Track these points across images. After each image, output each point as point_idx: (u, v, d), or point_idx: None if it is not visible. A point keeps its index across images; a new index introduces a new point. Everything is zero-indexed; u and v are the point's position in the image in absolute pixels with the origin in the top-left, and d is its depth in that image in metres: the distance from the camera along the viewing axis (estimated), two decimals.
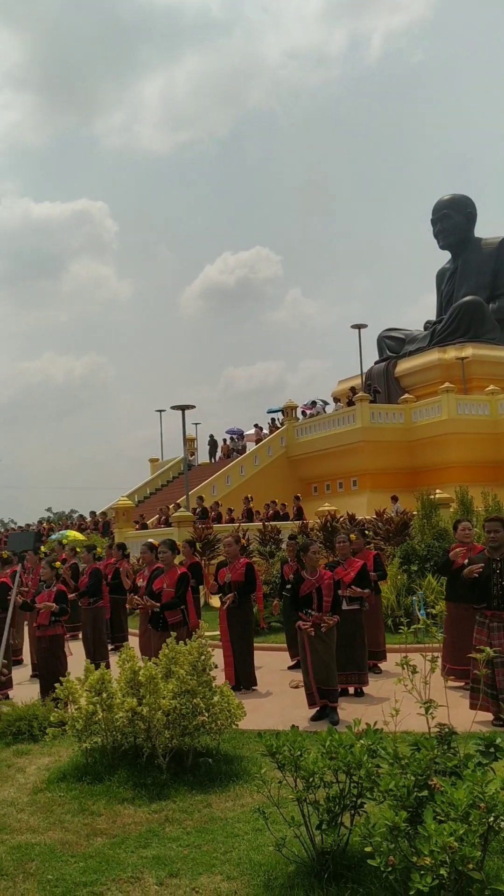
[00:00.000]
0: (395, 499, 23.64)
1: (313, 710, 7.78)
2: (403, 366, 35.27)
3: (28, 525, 39.13)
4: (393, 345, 37.56)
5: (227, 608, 9.36)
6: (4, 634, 4.57)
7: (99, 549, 13.61)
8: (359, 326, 31.79)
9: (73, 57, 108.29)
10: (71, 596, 10.63)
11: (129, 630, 14.11)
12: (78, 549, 15.57)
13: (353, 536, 10.35)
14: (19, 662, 11.84)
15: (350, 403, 30.83)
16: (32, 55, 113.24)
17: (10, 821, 5.35)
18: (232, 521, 23.82)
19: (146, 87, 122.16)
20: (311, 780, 4.02)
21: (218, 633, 9.90)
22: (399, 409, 30.10)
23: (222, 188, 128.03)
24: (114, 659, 8.95)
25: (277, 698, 8.92)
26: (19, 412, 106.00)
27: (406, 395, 31.22)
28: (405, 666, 4.50)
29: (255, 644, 10.17)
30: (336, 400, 35.93)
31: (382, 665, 10.10)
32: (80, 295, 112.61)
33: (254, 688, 9.27)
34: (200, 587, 12.72)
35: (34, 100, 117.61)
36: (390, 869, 3.41)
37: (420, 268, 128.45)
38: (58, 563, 9.94)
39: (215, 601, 9.44)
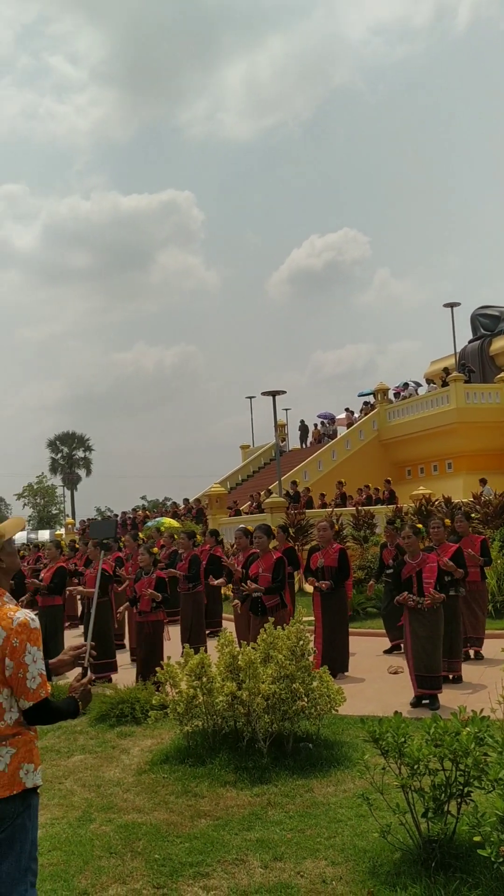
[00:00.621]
0: (483, 481, 22.97)
1: (413, 696, 7.67)
2: (499, 344, 34.22)
3: (123, 513, 40.04)
4: (487, 322, 36.43)
5: (322, 594, 9.30)
6: (91, 618, 4.65)
7: (199, 537, 13.78)
8: (451, 305, 30.95)
9: (155, 49, 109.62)
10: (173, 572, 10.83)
11: (224, 615, 14.26)
12: (176, 536, 15.80)
13: (447, 521, 10.12)
14: (122, 647, 12.13)
15: (444, 384, 30.15)
16: (116, 50, 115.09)
17: (117, 800, 5.48)
18: (324, 505, 23.72)
19: (229, 74, 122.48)
20: (415, 767, 3.95)
21: (313, 618, 9.87)
22: (495, 389, 29.22)
23: (308, 171, 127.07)
24: (210, 644, 9.06)
25: (376, 684, 8.83)
26: (113, 403, 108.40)
27: (502, 374, 30.29)
28: None
29: (350, 629, 10.10)
30: (429, 381, 35.19)
31: (478, 651, 9.86)
32: (168, 285, 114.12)
33: (345, 673, 9.17)
34: (295, 573, 12.71)
35: (119, 94, 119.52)
36: (502, 859, 3.32)
37: None
38: (155, 550, 10.12)
39: (309, 587, 9.38)
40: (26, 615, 3.06)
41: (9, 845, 2.94)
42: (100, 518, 47.16)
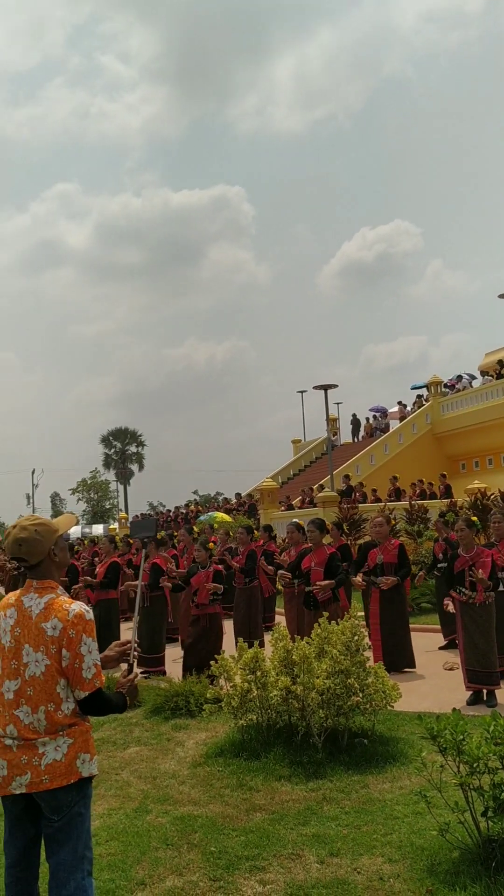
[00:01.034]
0: None
1: (470, 694, 7.56)
2: None
3: (176, 507, 40.33)
4: None
5: (380, 591, 9.21)
6: (135, 613, 4.72)
7: (256, 533, 13.78)
8: None
9: (205, 45, 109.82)
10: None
11: (276, 610, 14.27)
12: (231, 533, 15.82)
13: None
14: (174, 640, 12.22)
15: (499, 376, 29.62)
16: (167, 47, 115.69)
17: (173, 792, 5.52)
18: (377, 500, 23.54)
19: (278, 67, 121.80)
20: (475, 765, 3.88)
21: (362, 613, 9.79)
22: None
23: (359, 162, 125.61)
24: (265, 638, 9.08)
25: (431, 680, 8.72)
26: (165, 398, 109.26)
27: None
28: None
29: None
30: (483, 373, 34.61)
31: None
32: (218, 280, 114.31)
33: (408, 670, 9.08)
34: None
35: (170, 91, 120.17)
36: None
37: None
38: (210, 545, 10.16)
39: (358, 582, 9.29)
40: (81, 607, 3.12)
41: (66, 833, 3.02)
42: (151, 513, 47.58)
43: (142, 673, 9.82)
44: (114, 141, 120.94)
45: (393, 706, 6.21)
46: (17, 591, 3.24)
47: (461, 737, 4.01)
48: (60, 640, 3.04)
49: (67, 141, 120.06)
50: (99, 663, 3.13)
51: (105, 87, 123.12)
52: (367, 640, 6.35)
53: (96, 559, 16.31)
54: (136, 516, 42.29)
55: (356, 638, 6.16)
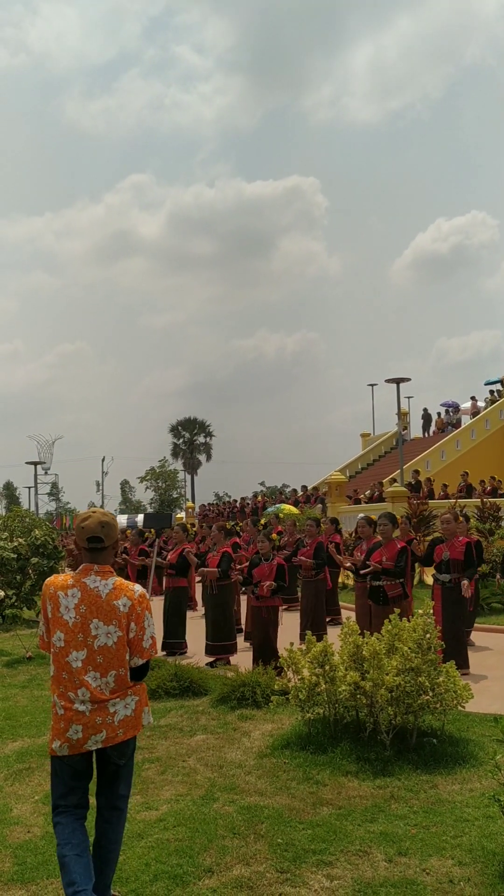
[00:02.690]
0: None
1: None
2: None
3: (243, 498, 40.48)
4: None
5: (443, 587, 9.05)
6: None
7: (324, 526, 13.73)
8: None
9: (280, 35, 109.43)
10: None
11: (342, 604, 14.19)
12: (298, 523, 15.80)
13: None
14: (239, 630, 12.27)
15: None
16: (242, 38, 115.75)
17: (239, 782, 5.53)
18: (447, 496, 23.15)
19: (354, 56, 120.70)
20: None
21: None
22: None
23: (436, 153, 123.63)
24: (330, 632, 9.02)
25: (502, 682, 8.53)
26: (234, 389, 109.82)
27: None
28: None
29: (476, 625, 9.81)
30: None
31: None
32: (290, 272, 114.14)
33: (465, 671, 8.84)
34: (416, 564, 12.46)
35: (244, 82, 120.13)
36: None
37: None
38: (274, 536, 10.16)
39: (429, 578, 9.16)
40: (141, 588, 3.70)
41: (128, 771, 3.74)
42: (218, 502, 47.85)
43: (209, 662, 9.91)
44: (188, 132, 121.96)
45: (464, 707, 6.09)
46: (71, 574, 3.67)
47: None
48: (130, 615, 3.58)
49: (141, 132, 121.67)
50: (154, 636, 3.70)
51: (179, 79, 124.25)
52: (438, 638, 6.23)
53: (168, 546, 16.50)
54: (207, 504, 42.65)
55: (428, 636, 6.06)
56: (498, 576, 10.97)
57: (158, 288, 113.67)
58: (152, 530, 24.37)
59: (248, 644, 10.73)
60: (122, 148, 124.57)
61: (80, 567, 3.68)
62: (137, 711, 3.64)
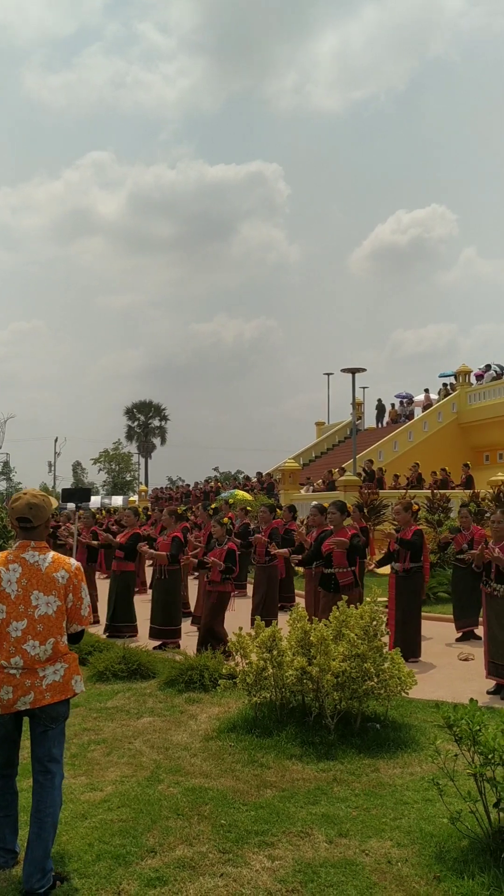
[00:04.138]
0: None
1: (491, 685, 7.56)
2: None
3: (196, 483, 40.46)
4: None
5: (397, 576, 9.20)
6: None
7: (279, 512, 13.78)
8: None
9: (246, 19, 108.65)
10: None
11: (296, 591, 14.31)
12: (249, 509, 15.87)
13: None
14: (189, 615, 12.30)
15: None
16: (207, 19, 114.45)
17: (185, 764, 5.57)
18: (398, 487, 23.45)
19: (319, 45, 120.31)
20: (490, 756, 3.88)
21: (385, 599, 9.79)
22: None
23: (399, 145, 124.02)
24: (281, 618, 9.09)
25: (446, 670, 8.72)
26: (191, 374, 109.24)
27: None
28: None
29: (424, 613, 9.96)
30: None
31: None
32: (250, 258, 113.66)
33: (414, 658, 9.03)
34: (367, 551, 12.61)
35: (209, 64, 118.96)
36: None
37: None
38: (225, 520, 10.21)
39: (384, 569, 9.31)
40: (77, 562, 4.06)
41: (59, 735, 3.96)
42: (171, 486, 47.73)
43: (157, 646, 9.92)
44: (149, 111, 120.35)
45: (407, 693, 6.22)
46: (9, 551, 3.96)
47: (477, 727, 4.01)
48: (68, 587, 3.93)
49: (102, 109, 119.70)
50: (91, 605, 4.12)
51: (142, 57, 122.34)
52: (385, 625, 6.35)
53: (115, 528, 16.43)
54: (157, 488, 42.51)
55: (374, 623, 6.17)
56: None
57: (117, 268, 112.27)
58: (103, 511, 24.29)
59: (196, 628, 10.76)
60: (82, 124, 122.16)
61: (17, 544, 3.98)
62: (66, 678, 3.91)
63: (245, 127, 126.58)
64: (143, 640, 10.26)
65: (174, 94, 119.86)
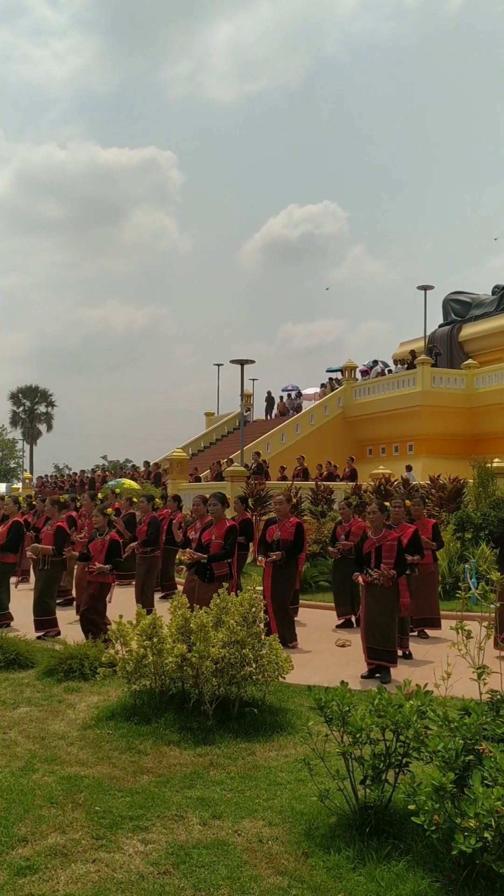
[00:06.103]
0: (409, 468, 23.52)
1: (365, 668, 7.85)
2: (468, 330, 34.47)
3: (83, 471, 39.75)
4: (458, 308, 36.64)
5: (273, 566, 9.38)
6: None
7: (157, 501, 13.76)
8: (425, 287, 30.95)
9: (141, 1, 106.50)
10: (132, 546, 10.84)
11: (177, 580, 14.34)
12: (135, 499, 15.76)
13: (408, 503, 10.28)
14: (69, 602, 12.13)
15: (410, 366, 30.35)
16: None
17: (61, 753, 5.53)
18: (284, 478, 23.85)
19: (214, 34, 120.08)
20: (358, 735, 4.05)
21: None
22: (461, 375, 29.50)
23: (292, 140, 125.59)
24: (164, 606, 9.11)
25: (323, 656, 8.98)
26: (79, 359, 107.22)
27: (469, 361, 30.57)
28: (460, 631, 4.46)
29: (301, 602, 10.24)
30: (396, 362, 35.39)
31: (435, 632, 10.06)
32: (141, 245, 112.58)
33: (291, 644, 9.24)
34: (250, 544, 12.80)
35: (102, 44, 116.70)
36: (434, 828, 3.43)
37: (489, 231, 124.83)
38: (109, 511, 10.13)
39: (261, 560, 9.48)
40: None
41: None
42: (57, 474, 46.75)
43: (38, 636, 9.74)
44: (38, 88, 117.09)
45: (284, 678, 6.37)
46: None
47: (347, 708, 4.17)
48: None
49: None
50: None
51: (30, 31, 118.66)
52: (263, 612, 6.48)
53: None
54: (47, 475, 41.51)
55: (254, 609, 6.29)
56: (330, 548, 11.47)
57: (1, 248, 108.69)
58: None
59: (77, 617, 10.62)
60: None
61: None
62: None
63: (139, 111, 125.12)
64: (23, 628, 10.04)
65: (64, 73, 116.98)
